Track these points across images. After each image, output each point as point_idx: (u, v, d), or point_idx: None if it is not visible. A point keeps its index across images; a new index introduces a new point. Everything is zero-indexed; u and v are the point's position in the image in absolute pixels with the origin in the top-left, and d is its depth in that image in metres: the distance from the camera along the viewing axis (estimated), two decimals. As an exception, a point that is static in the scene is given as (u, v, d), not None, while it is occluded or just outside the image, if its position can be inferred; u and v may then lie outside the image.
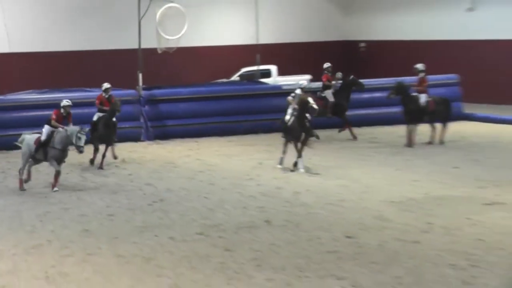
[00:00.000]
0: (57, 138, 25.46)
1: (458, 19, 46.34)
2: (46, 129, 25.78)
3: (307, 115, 27.46)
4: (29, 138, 26.06)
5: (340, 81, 35.47)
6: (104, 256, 18.49)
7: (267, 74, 45.05)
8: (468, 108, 39.50)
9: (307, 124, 27.35)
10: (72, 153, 26.91)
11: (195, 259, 18.15)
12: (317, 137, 28.66)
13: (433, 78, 37.45)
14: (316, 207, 22.82)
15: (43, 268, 17.43)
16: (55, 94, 36.00)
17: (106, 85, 30.24)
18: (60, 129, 25.83)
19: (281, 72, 45.33)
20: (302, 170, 27.01)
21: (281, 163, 27.85)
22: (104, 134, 29.11)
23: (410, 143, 31.68)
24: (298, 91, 28.20)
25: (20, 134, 29.56)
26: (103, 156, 28.84)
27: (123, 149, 32.80)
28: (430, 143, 32.10)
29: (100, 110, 29.41)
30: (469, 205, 22.58)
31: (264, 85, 41.67)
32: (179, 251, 18.85)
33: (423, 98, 31.97)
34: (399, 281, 16.14)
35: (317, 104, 28.63)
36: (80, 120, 31.59)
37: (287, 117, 27.88)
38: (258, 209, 22.79)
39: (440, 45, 46.80)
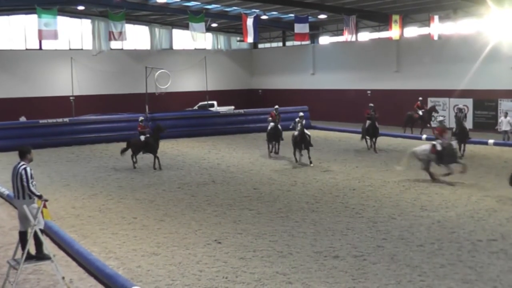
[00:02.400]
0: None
1: (307, 78, 47.38)
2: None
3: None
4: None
5: None
6: (128, 199, 18.66)
7: (212, 105, 44.56)
8: (313, 123, 39.19)
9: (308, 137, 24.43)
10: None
11: (176, 201, 18.26)
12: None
13: (297, 108, 40.18)
14: (238, 173, 22.99)
15: (98, 205, 17.84)
16: (103, 116, 36.65)
17: (141, 117, 27.08)
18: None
19: (219, 104, 45.14)
20: (312, 165, 24.13)
21: (298, 160, 24.92)
22: (153, 147, 24.65)
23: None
24: (299, 118, 24.97)
25: (84, 138, 33.13)
26: (155, 160, 24.65)
27: None
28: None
29: (140, 134, 25.31)
30: (315, 171, 22.98)
31: (210, 111, 41.36)
32: (168, 197, 18.91)
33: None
34: (280, 210, 16.75)
35: None
36: (111, 128, 34.69)
37: (296, 133, 24.66)
38: (208, 175, 22.78)
39: (300, 91, 47.19)
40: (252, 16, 35.92)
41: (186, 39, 45.80)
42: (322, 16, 42.94)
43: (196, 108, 44.76)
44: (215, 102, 45.48)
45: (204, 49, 49.81)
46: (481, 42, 34.24)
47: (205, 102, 44.71)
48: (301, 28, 37.08)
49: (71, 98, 42.51)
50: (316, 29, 47.12)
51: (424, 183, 20.16)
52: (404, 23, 37.55)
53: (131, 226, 15.42)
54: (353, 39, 37.94)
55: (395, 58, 41.24)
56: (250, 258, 12.53)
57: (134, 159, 25.17)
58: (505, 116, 30.30)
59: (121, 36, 36.56)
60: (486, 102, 35.05)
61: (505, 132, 30.00)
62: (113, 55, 46.77)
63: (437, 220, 15.45)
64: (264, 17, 42.97)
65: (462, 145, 25.61)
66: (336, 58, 45.56)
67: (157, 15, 45.91)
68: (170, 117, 37.26)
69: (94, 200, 18.75)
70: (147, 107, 37.53)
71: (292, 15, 40.12)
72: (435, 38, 35.73)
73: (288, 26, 43.44)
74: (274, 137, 27.32)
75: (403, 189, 19.52)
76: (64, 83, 44.18)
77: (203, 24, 37.00)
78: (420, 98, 34.80)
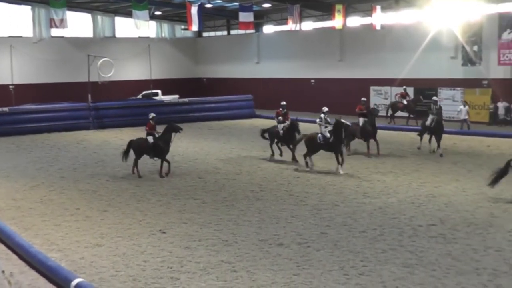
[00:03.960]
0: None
1: (252, 67, 47.41)
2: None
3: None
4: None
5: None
6: (71, 190, 18.42)
7: (156, 94, 43.92)
8: (258, 111, 39.91)
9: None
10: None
11: (119, 191, 18.13)
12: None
13: (241, 97, 40.83)
14: (182, 163, 22.87)
15: (39, 197, 17.59)
16: (45, 105, 35.81)
17: (152, 114, 21.23)
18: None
19: (163, 93, 44.38)
20: (341, 172, 20.01)
21: (310, 165, 21.21)
22: (162, 150, 20.32)
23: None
24: (322, 115, 20.93)
25: (25, 128, 32.21)
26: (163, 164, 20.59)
27: (81, 134, 32.66)
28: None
29: (149, 134, 20.80)
30: (260, 160, 23.00)
31: (154, 100, 40.91)
32: (111, 187, 18.76)
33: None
34: (225, 199, 16.85)
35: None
36: (52, 118, 33.88)
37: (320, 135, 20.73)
38: (152, 164, 21.70)
39: (244, 80, 47.19)
40: (197, 5, 35.84)
41: (129, 27, 45.15)
42: (267, 5, 43.18)
43: (140, 97, 44.31)
44: (159, 91, 45.09)
45: (148, 38, 49.41)
46: (422, 32, 34.92)
47: (149, 91, 44.36)
48: (245, 17, 37.15)
49: (10, 86, 41.88)
50: (261, 18, 47.14)
51: (366, 170, 20.46)
52: (347, 13, 37.98)
53: (74, 218, 15.23)
54: (297, 28, 38.28)
55: (339, 47, 41.64)
56: (195, 247, 12.53)
57: (136, 165, 20.67)
58: (464, 105, 30.63)
59: (62, 23, 35.89)
60: (426, 91, 35.71)
61: (464, 120, 30.20)
62: (54, 42, 45.87)
63: (379, 207, 15.75)
64: (208, 5, 42.82)
65: (437, 139, 23.51)
66: (280, 47, 45.69)
67: (100, 2, 45.37)
68: (113, 106, 37.00)
69: (35, 192, 18.48)
70: (89, 96, 36.84)
71: (237, 3, 40.26)
72: (378, 27, 36.34)
73: (233, 15, 43.23)
74: (289, 139, 22.80)
75: (346, 177, 19.77)
76: (3, 72, 43.57)
77: (146, 12, 36.62)
78: (404, 87, 34.34)
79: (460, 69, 34.46)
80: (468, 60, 33.94)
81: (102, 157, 25.09)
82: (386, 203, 16.17)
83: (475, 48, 33.48)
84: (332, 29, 38.81)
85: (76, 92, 42.66)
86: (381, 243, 12.63)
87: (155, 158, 20.67)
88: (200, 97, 41.96)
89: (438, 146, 23.47)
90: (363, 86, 38.94)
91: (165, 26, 51.81)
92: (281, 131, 23.03)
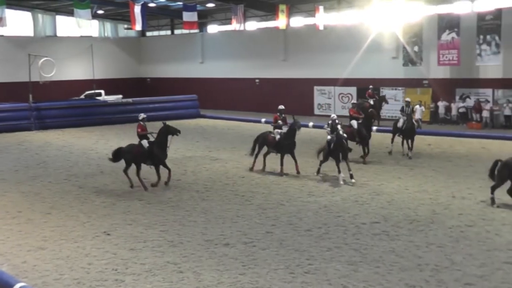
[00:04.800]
0: None
1: (196, 67, 47.36)
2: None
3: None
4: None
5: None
6: (12, 192, 18.05)
7: (99, 94, 43.52)
8: (203, 111, 40.13)
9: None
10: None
11: (63, 193, 17.87)
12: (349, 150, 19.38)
13: (186, 97, 40.78)
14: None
15: None
16: None
17: (142, 114, 18.98)
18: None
19: (107, 93, 44.07)
20: (353, 181, 18.28)
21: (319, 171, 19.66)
22: (158, 157, 18.08)
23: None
24: (330, 122, 19.08)
25: None
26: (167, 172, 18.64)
27: (23, 135, 32.06)
28: None
29: (141, 138, 18.39)
30: (205, 160, 23.14)
31: (98, 100, 40.46)
32: (54, 189, 18.49)
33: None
34: (170, 199, 16.87)
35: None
36: None
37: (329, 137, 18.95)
38: (96, 165, 22.44)
39: (189, 80, 47.20)
40: (140, 4, 35.49)
41: (71, 26, 44.31)
42: (211, 5, 43.18)
43: (83, 97, 43.85)
44: (102, 91, 44.64)
45: (91, 37, 48.67)
46: (364, 33, 35.42)
47: (92, 91, 43.75)
48: (189, 16, 37.01)
49: None
50: (205, 18, 47.12)
51: (312, 169, 20.58)
52: (290, 13, 38.34)
53: (16, 221, 14.94)
54: (241, 28, 38.42)
55: (283, 47, 41.92)
56: (140, 248, 12.41)
57: (127, 174, 18.37)
58: (420, 105, 30.83)
59: (1, 22, 34.94)
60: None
61: (419, 120, 28.82)
62: (-7, 41, 44.79)
63: (323, 205, 15.90)
64: (152, 4, 42.61)
65: (409, 142, 22.95)
66: (225, 47, 45.73)
67: (40, 0, 44.33)
68: (55, 107, 36.47)
69: (-26, 195, 17.93)
70: (30, 96, 36.20)
71: (181, 3, 40.05)
72: (321, 28, 36.74)
73: (177, 14, 43.01)
74: (288, 148, 20.16)
75: (291, 176, 19.84)
76: None
77: (88, 10, 36.01)
78: (371, 86, 33.49)
79: (401, 69, 35.16)
80: (409, 61, 34.66)
81: (44, 158, 24.66)
82: (331, 201, 16.30)
83: (416, 48, 34.21)
84: (276, 29, 39.16)
85: (17, 92, 41.88)
86: (326, 241, 12.73)
87: (151, 166, 18.39)
88: (144, 97, 41.71)
89: (410, 148, 22.89)
90: (307, 85, 39.51)
91: (108, 25, 51.21)
92: (277, 137, 20.22)
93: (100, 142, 29.45)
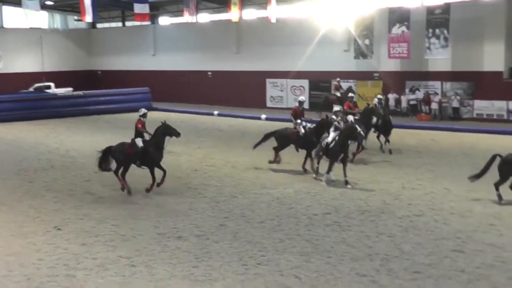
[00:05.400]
0: None
1: (148, 59, 46.88)
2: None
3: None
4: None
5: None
6: None
7: (49, 87, 42.58)
8: (155, 104, 39.00)
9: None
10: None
11: (12, 188, 17.63)
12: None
13: (138, 89, 40.50)
14: (78, 158, 22.74)
15: None
16: None
17: (143, 109, 17.59)
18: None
19: (57, 86, 42.96)
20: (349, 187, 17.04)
21: (317, 173, 18.40)
22: (152, 157, 16.57)
23: None
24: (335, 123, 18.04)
25: None
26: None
27: None
28: None
29: (138, 135, 16.81)
30: (192, 159, 22.00)
31: (47, 93, 39.72)
32: (3, 184, 18.22)
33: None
34: (123, 193, 16.64)
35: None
36: None
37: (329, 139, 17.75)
38: (46, 160, 22.17)
39: (140, 73, 46.71)
40: (90, -5, 34.98)
41: (19, 17, 43.52)
42: (163, -4, 42.75)
43: (32, 90, 42.94)
44: (52, 84, 43.83)
45: (40, 28, 48.01)
46: (316, 26, 35.67)
47: (42, 84, 43.09)
48: (141, 8, 36.78)
49: None
50: (156, 10, 46.62)
51: (265, 162, 20.62)
52: (243, 6, 38.26)
53: (-37, 217, 14.61)
54: (194, 20, 38.39)
55: (235, 40, 41.90)
56: (92, 243, 12.32)
57: (118, 176, 16.83)
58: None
59: None
60: (321, 83, 36.70)
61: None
62: None
63: (276, 197, 16.03)
64: (102, -4, 41.93)
65: (385, 138, 22.67)
66: (177, 39, 45.36)
67: (-14, -9, 43.52)
68: (3, 100, 35.83)
69: None
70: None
71: (132, -6, 39.51)
72: (273, 21, 36.77)
73: (128, 6, 42.56)
74: (307, 144, 19.07)
75: (244, 169, 19.94)
76: None
77: (37, 1, 35.55)
78: (338, 79, 33.13)
79: (352, 62, 35.51)
80: (360, 53, 35.04)
81: (-8, 153, 24.22)
82: (283, 193, 16.42)
83: (367, 41, 34.62)
84: (228, 21, 39.07)
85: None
86: (279, 233, 12.84)
87: (143, 167, 16.91)
88: (95, 90, 41.17)
89: (387, 141, 22.52)
90: (259, 78, 39.62)
91: (57, 17, 50.38)
92: (302, 132, 19.14)
93: (50, 136, 29.06)
